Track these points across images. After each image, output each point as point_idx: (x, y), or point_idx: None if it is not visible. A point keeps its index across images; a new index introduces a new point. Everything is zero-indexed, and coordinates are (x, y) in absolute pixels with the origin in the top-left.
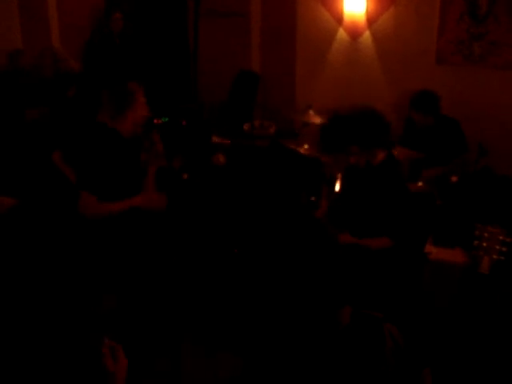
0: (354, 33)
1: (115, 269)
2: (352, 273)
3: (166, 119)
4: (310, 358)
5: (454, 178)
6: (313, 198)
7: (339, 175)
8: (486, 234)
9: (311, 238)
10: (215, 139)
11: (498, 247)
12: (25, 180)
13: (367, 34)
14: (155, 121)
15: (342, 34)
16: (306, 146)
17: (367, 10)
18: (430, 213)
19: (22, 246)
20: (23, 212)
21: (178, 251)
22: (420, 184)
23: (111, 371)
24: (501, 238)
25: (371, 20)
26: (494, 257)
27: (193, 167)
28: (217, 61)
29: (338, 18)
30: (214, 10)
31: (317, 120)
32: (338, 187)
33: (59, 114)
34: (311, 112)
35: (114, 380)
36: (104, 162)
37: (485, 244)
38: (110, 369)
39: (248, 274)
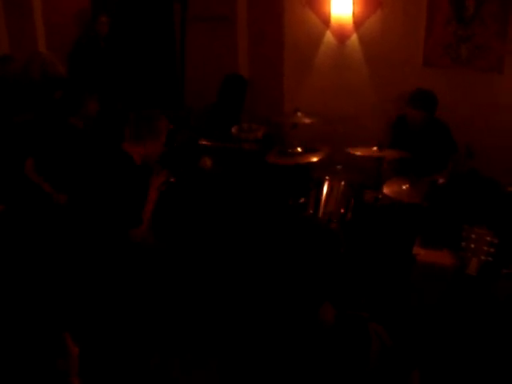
0: (342, 36)
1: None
2: (339, 274)
3: None
4: (293, 358)
5: (441, 180)
6: (301, 200)
7: (327, 178)
8: (473, 236)
9: (298, 239)
10: (203, 142)
11: (485, 248)
12: (13, 185)
13: (354, 37)
14: None
15: (329, 36)
16: (299, 150)
17: (354, 13)
18: (417, 214)
19: (9, 249)
20: (11, 217)
21: (166, 255)
22: (405, 187)
23: (61, 370)
24: (488, 239)
25: (358, 23)
26: (482, 258)
27: (180, 171)
28: (204, 65)
29: (325, 21)
30: (201, 15)
31: (306, 121)
32: (325, 189)
33: (45, 118)
34: (299, 114)
35: (65, 377)
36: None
37: (472, 245)
38: (60, 368)
39: (236, 276)
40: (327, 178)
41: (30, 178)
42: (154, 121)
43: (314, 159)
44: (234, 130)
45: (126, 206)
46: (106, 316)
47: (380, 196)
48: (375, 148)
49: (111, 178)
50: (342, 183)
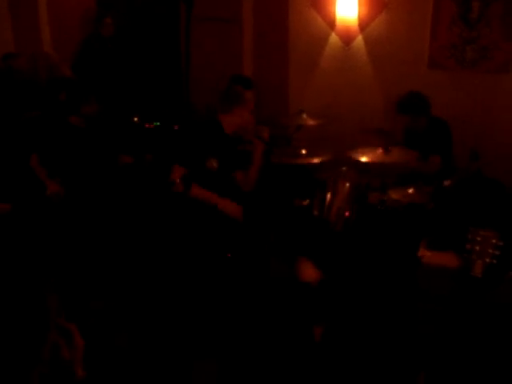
0: (347, 38)
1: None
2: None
3: (158, 124)
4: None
5: (447, 182)
6: (305, 203)
7: (332, 179)
8: (478, 238)
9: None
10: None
11: (490, 251)
12: (18, 185)
13: (359, 38)
14: (147, 125)
15: (334, 38)
16: (303, 152)
17: (359, 15)
18: (422, 217)
19: (17, 250)
20: (18, 217)
21: (172, 254)
22: (411, 190)
23: (67, 359)
24: (493, 241)
25: (363, 25)
26: (487, 260)
27: (186, 172)
28: (209, 66)
29: (331, 23)
30: (206, 16)
31: (311, 122)
32: (330, 191)
33: (48, 117)
34: (304, 116)
35: (70, 366)
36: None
37: (477, 247)
38: (66, 357)
39: (240, 278)
40: (332, 179)
41: (35, 171)
42: (239, 91)
43: (316, 161)
44: None
45: None
46: (111, 310)
47: (385, 198)
48: (380, 150)
49: None
50: (347, 185)
